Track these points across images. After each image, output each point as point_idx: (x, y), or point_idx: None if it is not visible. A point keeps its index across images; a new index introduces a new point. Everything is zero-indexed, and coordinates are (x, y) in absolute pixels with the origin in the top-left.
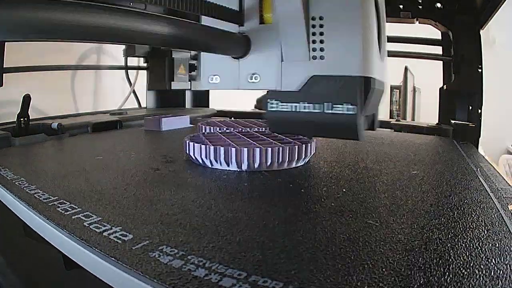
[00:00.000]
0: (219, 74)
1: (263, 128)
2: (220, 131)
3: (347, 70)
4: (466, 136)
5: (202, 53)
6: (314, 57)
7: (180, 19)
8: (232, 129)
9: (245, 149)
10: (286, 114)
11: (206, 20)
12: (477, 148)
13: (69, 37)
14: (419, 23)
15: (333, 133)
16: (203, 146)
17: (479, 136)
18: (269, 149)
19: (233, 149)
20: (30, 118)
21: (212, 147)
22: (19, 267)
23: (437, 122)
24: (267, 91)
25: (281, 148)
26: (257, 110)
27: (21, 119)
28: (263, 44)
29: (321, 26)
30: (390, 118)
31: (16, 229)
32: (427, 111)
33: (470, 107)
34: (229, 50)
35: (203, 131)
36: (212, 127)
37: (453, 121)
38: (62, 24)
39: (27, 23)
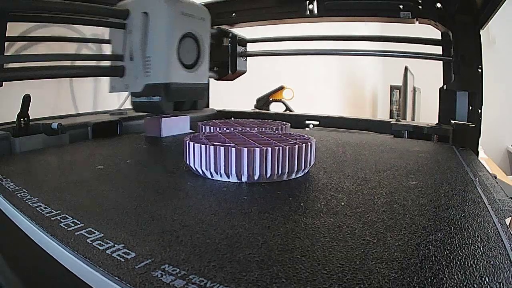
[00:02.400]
0: (115, 85)
1: (263, 128)
2: (220, 131)
3: (160, 79)
4: (466, 136)
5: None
6: (147, 74)
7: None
8: (232, 128)
9: (245, 149)
10: (138, 102)
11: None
12: (477, 148)
13: None
14: (419, 23)
15: (153, 110)
16: (203, 146)
17: (479, 136)
18: (269, 161)
19: (233, 149)
20: (30, 118)
21: (212, 147)
22: (19, 267)
23: (437, 122)
24: (132, 92)
25: (281, 160)
26: (257, 110)
27: (21, 119)
28: (128, 70)
29: (149, 60)
30: (390, 118)
31: (16, 229)
32: (427, 111)
33: (470, 107)
34: (114, 74)
35: (203, 131)
36: (212, 127)
37: (453, 121)
38: None
39: None
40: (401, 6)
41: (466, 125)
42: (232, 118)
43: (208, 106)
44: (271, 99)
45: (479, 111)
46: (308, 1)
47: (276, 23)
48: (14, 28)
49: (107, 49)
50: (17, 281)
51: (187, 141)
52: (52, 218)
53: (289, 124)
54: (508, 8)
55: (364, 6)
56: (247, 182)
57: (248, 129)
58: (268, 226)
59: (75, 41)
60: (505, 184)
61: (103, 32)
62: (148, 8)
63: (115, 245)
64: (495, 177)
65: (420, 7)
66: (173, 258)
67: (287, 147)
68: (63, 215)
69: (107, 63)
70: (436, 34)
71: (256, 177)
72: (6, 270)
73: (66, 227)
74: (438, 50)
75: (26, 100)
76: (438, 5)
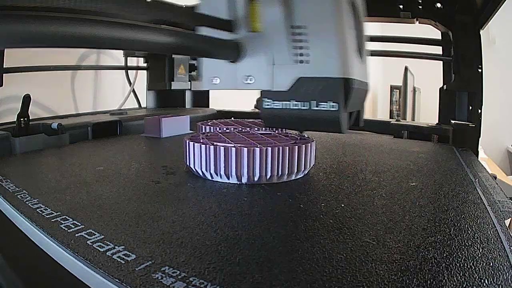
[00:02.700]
0: (219, 76)
1: (263, 128)
2: (220, 131)
3: (329, 72)
4: (466, 136)
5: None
6: (301, 61)
7: (178, 29)
8: (232, 128)
9: (245, 149)
10: (278, 110)
11: (201, 29)
12: (477, 148)
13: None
14: (419, 23)
15: (319, 127)
16: (203, 146)
17: (479, 136)
18: (269, 162)
19: (233, 149)
20: (30, 118)
21: (212, 147)
22: (20, 268)
23: (437, 122)
24: (261, 91)
25: (281, 160)
26: (257, 110)
27: (21, 119)
28: (255, 49)
29: (302, 34)
30: (390, 118)
31: (17, 229)
32: (427, 111)
33: (470, 107)
34: (222, 56)
35: (203, 131)
36: (212, 127)
37: (453, 121)
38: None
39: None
40: (401, 6)
41: (466, 125)
42: (232, 118)
43: (208, 106)
44: None
45: (479, 111)
46: None
47: None
48: None
49: None
50: (18, 282)
51: (187, 141)
52: (52, 220)
53: None
54: (508, 8)
55: (364, 6)
56: (247, 183)
57: (248, 129)
58: (268, 228)
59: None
60: (505, 185)
61: None
62: None
63: (116, 247)
64: (495, 178)
65: (420, 7)
66: (173, 260)
67: (287, 147)
68: (64, 217)
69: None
70: (436, 34)
71: (256, 178)
72: (7, 270)
73: (66, 229)
74: (438, 50)
75: (26, 100)
76: (438, 5)
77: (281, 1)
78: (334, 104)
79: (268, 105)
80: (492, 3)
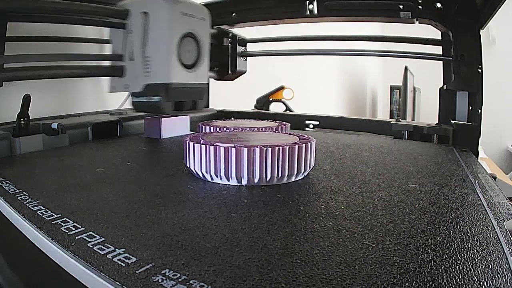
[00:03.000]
0: (115, 85)
1: (263, 128)
2: (220, 131)
3: (159, 79)
4: (466, 136)
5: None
6: (147, 74)
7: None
8: (232, 128)
9: (245, 149)
10: (139, 102)
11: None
12: (477, 148)
13: None
14: (419, 23)
15: (153, 110)
16: (203, 146)
17: (479, 136)
18: (269, 162)
19: (233, 149)
20: (30, 118)
21: (212, 147)
22: (20, 269)
23: (437, 122)
24: (132, 92)
25: (281, 160)
26: (257, 110)
27: (21, 119)
28: (128, 69)
29: (148, 60)
30: (390, 118)
31: (17, 231)
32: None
33: (470, 107)
34: (114, 74)
35: (203, 131)
36: (212, 127)
37: (453, 121)
38: None
39: None
40: (401, 6)
41: (466, 125)
42: (232, 118)
43: (208, 106)
44: (271, 99)
45: (479, 111)
46: (308, 1)
47: (276, 23)
48: (13, 28)
49: (106, 50)
50: (18, 283)
51: (187, 141)
52: (53, 222)
53: (289, 124)
54: (508, 8)
55: (364, 6)
56: (247, 185)
57: (248, 129)
58: (268, 230)
59: (74, 41)
60: (505, 184)
61: (104, 32)
62: (148, 7)
63: (116, 249)
64: (495, 178)
65: (420, 7)
66: (174, 263)
67: (287, 146)
68: (64, 219)
69: (107, 63)
70: (436, 34)
71: (256, 180)
72: (7, 271)
73: (67, 231)
74: (438, 50)
75: (26, 100)
76: (438, 5)
77: (141, 45)
78: (158, 97)
79: (134, 100)
80: (492, 3)
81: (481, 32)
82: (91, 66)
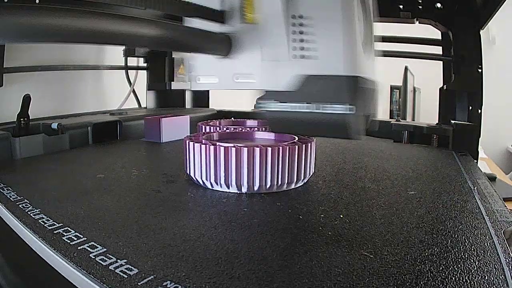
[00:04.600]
0: (209, 74)
1: (263, 128)
2: (220, 131)
3: (336, 69)
4: (466, 136)
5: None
6: (302, 56)
7: (161, 21)
8: (233, 128)
9: (245, 149)
10: (281, 113)
11: (190, 21)
12: (477, 148)
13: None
14: (419, 23)
15: (329, 132)
16: (203, 146)
17: (479, 136)
18: (269, 171)
19: (233, 149)
20: (30, 118)
21: (212, 147)
22: (19, 267)
23: (437, 122)
24: (265, 92)
25: (280, 170)
26: (257, 110)
27: (21, 119)
28: (250, 43)
29: (304, 25)
30: (390, 118)
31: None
32: (427, 111)
33: (470, 107)
34: (212, 50)
35: (203, 131)
36: (212, 127)
37: (453, 121)
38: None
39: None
40: (401, 6)
41: (466, 125)
42: (232, 118)
43: (208, 106)
44: None
45: (479, 111)
46: None
47: None
48: None
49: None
50: (17, 281)
51: (187, 142)
52: (54, 231)
53: None
54: (508, 8)
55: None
56: (247, 192)
57: (248, 129)
58: (268, 241)
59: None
60: (505, 184)
61: None
62: None
63: (118, 260)
64: (495, 178)
65: (420, 7)
66: (175, 274)
67: (287, 146)
68: (66, 228)
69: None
70: (436, 34)
71: (256, 188)
72: (7, 272)
73: (69, 241)
74: (438, 50)
75: (26, 100)
76: (438, 5)
77: None
78: (343, 106)
79: (264, 106)
80: (492, 3)
81: (481, 32)
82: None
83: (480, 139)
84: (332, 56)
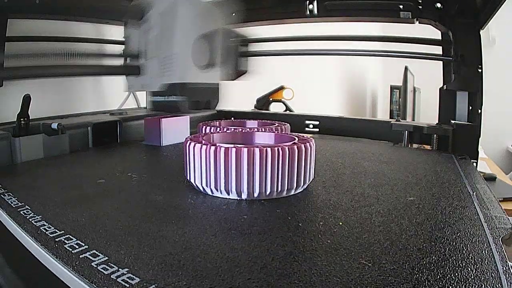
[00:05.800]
0: (133, 84)
1: (263, 128)
2: (220, 131)
3: (176, 79)
4: (466, 136)
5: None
6: (164, 74)
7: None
8: (233, 128)
9: (245, 149)
10: (157, 101)
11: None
12: (477, 148)
13: None
14: (419, 23)
15: (170, 109)
16: (203, 146)
17: (479, 136)
18: (269, 178)
19: (233, 149)
20: (30, 118)
21: (212, 147)
22: (19, 267)
23: (437, 122)
24: (153, 91)
25: (280, 177)
26: (256, 110)
27: (21, 119)
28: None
29: (166, 60)
30: (390, 118)
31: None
32: (427, 111)
33: (470, 107)
34: (131, 73)
35: (203, 132)
36: (212, 127)
37: (453, 121)
38: None
39: None
40: (401, 6)
41: (466, 125)
42: (232, 118)
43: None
44: (271, 99)
45: (479, 111)
46: (308, 1)
47: (276, 23)
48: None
49: (108, 50)
50: (17, 281)
51: (187, 142)
52: (56, 239)
53: (289, 125)
54: (508, 8)
55: (364, 6)
56: (247, 199)
57: (248, 129)
58: (267, 249)
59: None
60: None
61: (103, 31)
62: (166, 8)
63: (120, 269)
64: (495, 178)
65: (420, 7)
66: (176, 284)
67: (287, 147)
68: (67, 236)
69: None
70: (436, 34)
71: (256, 194)
72: (7, 272)
73: (71, 249)
74: (438, 50)
75: (26, 100)
76: (438, 5)
77: (159, 45)
78: (175, 96)
79: (152, 99)
80: (492, 3)
81: (481, 32)
82: (107, 65)
83: (480, 139)
84: (176, 74)
